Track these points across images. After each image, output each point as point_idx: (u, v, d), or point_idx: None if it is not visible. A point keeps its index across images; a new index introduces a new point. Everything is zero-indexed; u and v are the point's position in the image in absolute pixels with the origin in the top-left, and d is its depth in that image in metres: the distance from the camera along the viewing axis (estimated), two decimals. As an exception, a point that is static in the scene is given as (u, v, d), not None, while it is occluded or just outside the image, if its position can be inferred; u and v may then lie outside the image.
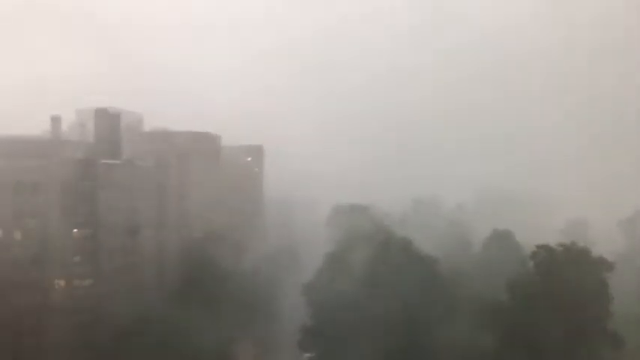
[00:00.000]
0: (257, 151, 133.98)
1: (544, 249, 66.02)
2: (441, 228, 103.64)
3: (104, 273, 75.34)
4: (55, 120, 78.49)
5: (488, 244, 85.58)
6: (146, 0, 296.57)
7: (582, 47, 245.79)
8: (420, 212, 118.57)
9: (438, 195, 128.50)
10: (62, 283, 72.33)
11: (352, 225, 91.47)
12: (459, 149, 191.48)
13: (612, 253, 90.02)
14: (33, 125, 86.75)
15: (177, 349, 68.13)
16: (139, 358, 67.04)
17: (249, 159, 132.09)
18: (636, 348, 68.37)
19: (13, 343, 67.42)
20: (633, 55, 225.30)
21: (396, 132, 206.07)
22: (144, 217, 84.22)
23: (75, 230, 73.21)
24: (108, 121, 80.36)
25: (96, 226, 74.96)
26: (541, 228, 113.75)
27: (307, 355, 78.23)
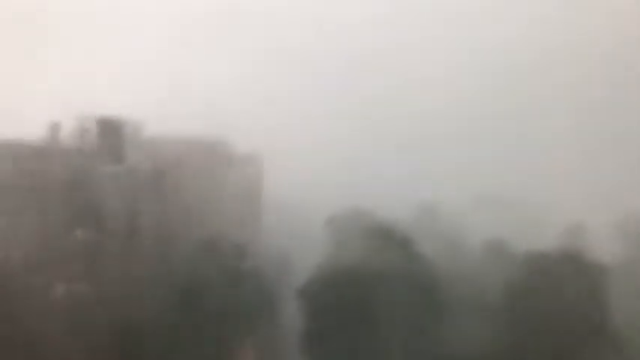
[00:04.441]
0: (257, 157, 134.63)
1: (539, 253, 66.75)
2: (438, 232, 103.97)
3: (105, 278, 75.71)
4: (54, 126, 78.88)
5: (485, 248, 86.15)
6: (146, 2, 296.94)
7: (581, 54, 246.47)
8: (417, 217, 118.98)
9: (435, 199, 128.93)
10: (62, 287, 72.82)
11: (351, 228, 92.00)
12: (458, 153, 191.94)
13: (611, 256, 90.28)
14: (32, 129, 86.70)
15: (178, 353, 68.42)
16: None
17: (250, 165, 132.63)
18: (637, 352, 68.61)
19: (12, 348, 67.59)
20: (631, 60, 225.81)
21: (395, 136, 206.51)
22: (145, 222, 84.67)
23: (76, 234, 73.95)
24: (109, 128, 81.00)
25: (97, 231, 75.59)
26: (539, 231, 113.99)
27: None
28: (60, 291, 73.02)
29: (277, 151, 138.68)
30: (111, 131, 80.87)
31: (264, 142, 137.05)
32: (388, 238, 77.63)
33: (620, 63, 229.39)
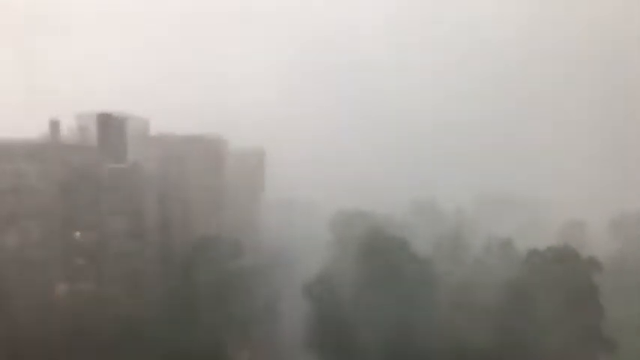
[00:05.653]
0: (259, 155, 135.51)
1: (535, 252, 67.38)
2: (439, 231, 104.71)
3: (107, 276, 76.30)
4: (54, 124, 78.91)
5: (485, 247, 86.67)
6: (149, 1, 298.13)
7: (579, 53, 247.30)
8: (418, 216, 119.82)
9: (436, 199, 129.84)
10: (65, 286, 73.29)
11: (352, 228, 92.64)
12: (458, 154, 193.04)
13: (609, 255, 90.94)
14: (33, 128, 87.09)
15: (180, 351, 68.99)
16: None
17: (252, 162, 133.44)
18: (629, 351, 69.38)
19: (15, 346, 68.12)
20: (629, 60, 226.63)
21: (395, 136, 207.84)
22: (147, 221, 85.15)
23: (78, 233, 74.38)
24: (111, 125, 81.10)
25: (99, 230, 76.04)
26: (538, 231, 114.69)
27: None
28: (62, 290, 73.50)
29: (279, 150, 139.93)
30: (112, 127, 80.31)
31: (267, 141, 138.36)
32: (388, 239, 78.21)
33: (620, 63, 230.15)
